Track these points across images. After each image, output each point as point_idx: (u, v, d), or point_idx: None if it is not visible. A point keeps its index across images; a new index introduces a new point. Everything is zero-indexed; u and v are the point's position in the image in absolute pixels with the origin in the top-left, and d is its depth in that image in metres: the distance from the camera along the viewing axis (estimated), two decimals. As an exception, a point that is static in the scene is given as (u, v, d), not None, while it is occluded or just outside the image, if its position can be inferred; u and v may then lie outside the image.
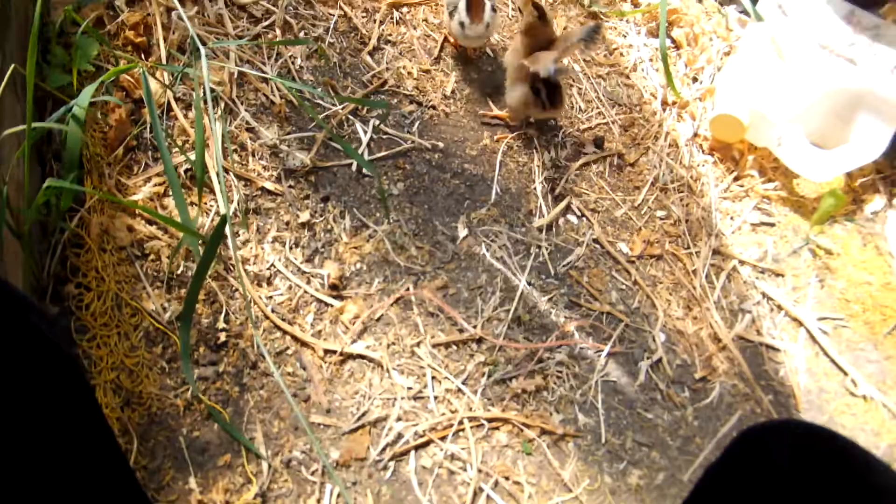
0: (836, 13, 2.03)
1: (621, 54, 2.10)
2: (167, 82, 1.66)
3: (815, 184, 1.96)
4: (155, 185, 1.55)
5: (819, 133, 1.98)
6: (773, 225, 1.90)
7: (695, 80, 2.10)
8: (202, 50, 1.30)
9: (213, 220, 1.54)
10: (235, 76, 1.72)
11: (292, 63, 1.81)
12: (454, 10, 1.82)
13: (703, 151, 1.97)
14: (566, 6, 2.16)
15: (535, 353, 1.53)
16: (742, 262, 1.81)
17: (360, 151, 1.71)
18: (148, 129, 1.60)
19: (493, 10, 1.82)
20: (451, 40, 1.98)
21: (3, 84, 1.23)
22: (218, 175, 1.56)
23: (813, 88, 1.93)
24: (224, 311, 1.45)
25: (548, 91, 1.75)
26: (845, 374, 1.70)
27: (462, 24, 1.79)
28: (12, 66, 1.21)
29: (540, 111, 1.80)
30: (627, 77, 2.06)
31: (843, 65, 1.94)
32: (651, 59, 2.11)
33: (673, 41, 2.16)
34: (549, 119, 1.91)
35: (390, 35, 1.96)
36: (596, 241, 1.74)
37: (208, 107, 1.35)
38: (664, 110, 2.01)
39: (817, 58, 1.95)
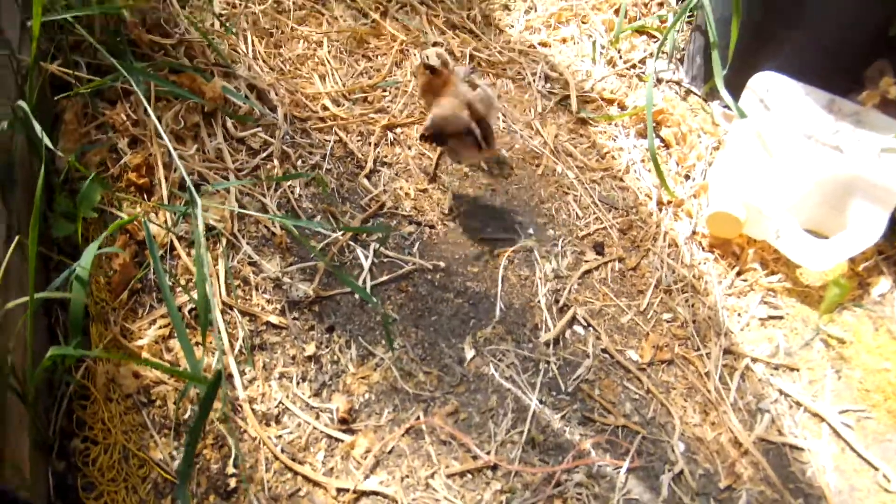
0: (817, 103, 2.07)
1: (613, 157, 2.14)
2: (169, 222, 1.69)
3: (819, 271, 1.96)
4: (160, 328, 1.56)
5: (815, 222, 2.00)
6: (781, 318, 1.89)
7: (687, 177, 2.13)
8: (198, 200, 1.33)
9: (218, 359, 1.53)
10: (236, 212, 1.75)
11: (291, 192, 1.84)
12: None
13: (703, 249, 1.98)
14: (556, 114, 2.22)
15: (552, 476, 1.49)
16: (755, 360, 1.79)
17: (361, 278, 1.72)
18: (151, 270, 1.61)
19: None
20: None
21: (10, 252, 1.25)
22: (221, 314, 1.57)
23: (803, 179, 1.95)
24: (233, 454, 1.42)
25: (482, 132, 1.80)
26: (875, 469, 1.64)
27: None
28: (16, 238, 1.24)
29: (476, 153, 1.84)
30: (621, 180, 2.09)
31: (830, 153, 1.97)
32: (643, 160, 2.15)
33: (662, 140, 2.21)
34: (486, 160, 1.95)
35: (386, 157, 2.00)
36: (604, 350, 1.72)
37: (207, 248, 1.36)
38: (660, 210, 2.04)
39: (804, 149, 1.98)
